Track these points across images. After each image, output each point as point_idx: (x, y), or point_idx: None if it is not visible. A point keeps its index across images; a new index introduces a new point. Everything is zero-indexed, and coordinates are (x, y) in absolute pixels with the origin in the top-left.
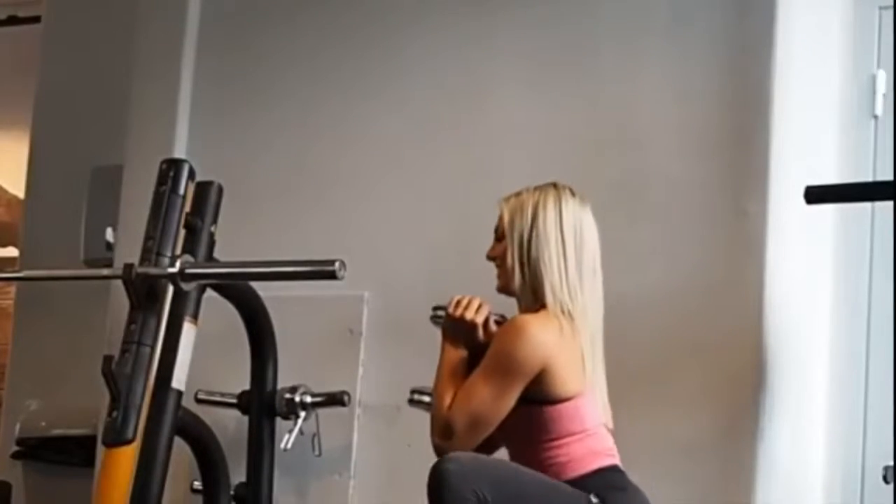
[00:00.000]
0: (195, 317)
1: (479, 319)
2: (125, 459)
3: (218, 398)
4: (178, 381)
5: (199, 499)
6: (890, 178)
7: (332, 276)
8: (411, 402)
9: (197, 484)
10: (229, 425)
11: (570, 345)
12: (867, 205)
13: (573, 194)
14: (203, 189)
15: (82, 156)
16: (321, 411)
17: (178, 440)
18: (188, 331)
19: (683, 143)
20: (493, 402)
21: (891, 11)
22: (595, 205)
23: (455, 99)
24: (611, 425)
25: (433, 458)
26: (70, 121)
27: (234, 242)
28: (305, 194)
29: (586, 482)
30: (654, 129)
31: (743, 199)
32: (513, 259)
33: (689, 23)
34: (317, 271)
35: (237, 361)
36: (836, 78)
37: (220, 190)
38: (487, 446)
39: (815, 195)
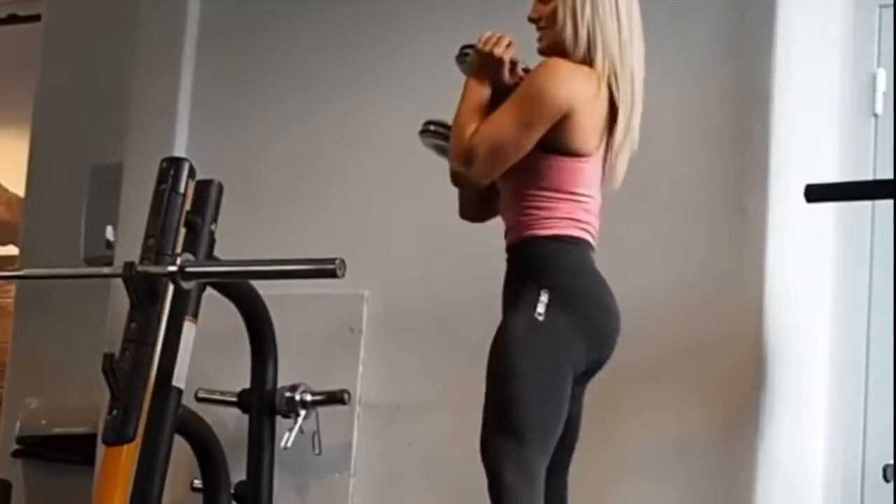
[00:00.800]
0: (195, 315)
1: (507, 56)
2: (125, 458)
3: (218, 397)
4: (179, 379)
5: (200, 497)
6: (890, 176)
7: (332, 274)
8: (426, 132)
9: (197, 482)
10: (229, 424)
11: (599, 103)
12: (867, 203)
13: None
14: (203, 187)
15: (82, 154)
16: (321, 410)
17: (178, 438)
18: (188, 329)
19: (683, 142)
20: (517, 134)
21: (891, 10)
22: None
23: (455, 97)
24: (617, 183)
25: (433, 457)
26: (70, 119)
27: (234, 241)
28: (306, 193)
29: (549, 246)
30: (654, 127)
31: (743, 198)
32: (565, 14)
33: (688, 21)
34: (317, 270)
35: (237, 360)
36: (836, 76)
37: (221, 188)
38: (488, 201)
39: (816, 194)
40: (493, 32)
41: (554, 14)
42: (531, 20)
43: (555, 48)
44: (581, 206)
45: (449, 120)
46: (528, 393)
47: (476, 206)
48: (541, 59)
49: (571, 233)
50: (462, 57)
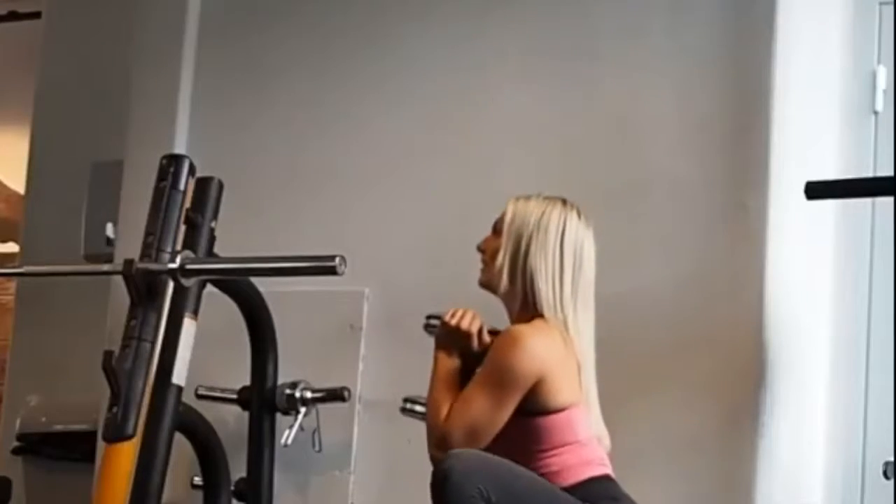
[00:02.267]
0: (195, 312)
1: (474, 329)
2: (125, 455)
3: (218, 394)
4: (179, 376)
5: (200, 494)
6: (890, 173)
7: (332, 271)
8: (404, 410)
9: (197, 479)
10: (230, 421)
11: (566, 356)
12: (867, 200)
13: (579, 215)
14: (203, 185)
15: (82, 151)
16: (321, 407)
17: (178, 436)
18: (188, 326)
19: (684, 139)
20: (490, 413)
21: (891, 7)
22: (594, 201)
23: (456, 95)
24: (607, 447)
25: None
26: (70, 116)
27: (234, 238)
28: (306, 190)
29: (578, 491)
30: (655, 125)
31: (743, 195)
32: (504, 258)
33: (689, 18)
34: (317, 267)
35: (237, 357)
36: (836, 74)
37: (221, 186)
38: None
39: (816, 191)
40: (457, 309)
41: (496, 253)
42: (479, 249)
43: (491, 285)
44: (586, 449)
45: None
46: None
47: None
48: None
49: (595, 473)
50: (429, 327)
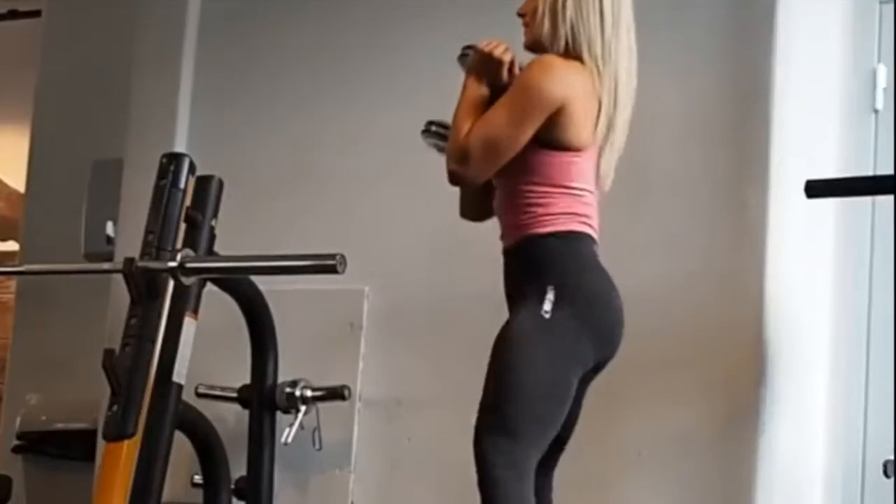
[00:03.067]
0: (195, 311)
1: (507, 57)
2: (126, 453)
3: (218, 392)
4: (179, 375)
5: (200, 493)
6: (890, 172)
7: (332, 270)
8: (427, 132)
9: (197, 478)
10: (230, 419)
11: (592, 97)
12: (868, 199)
13: None
14: (203, 183)
15: (83, 150)
16: (321, 405)
17: (178, 434)
18: (189, 325)
19: (684, 137)
20: (511, 129)
21: (891, 6)
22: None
23: (456, 93)
24: (608, 183)
25: (433, 453)
26: (70, 115)
27: (234, 236)
28: (306, 188)
29: (551, 241)
30: (655, 123)
31: (743, 193)
32: (544, 10)
33: (689, 16)
34: (317, 265)
35: (237, 355)
36: (836, 72)
37: (221, 184)
38: (486, 197)
39: (816, 189)
40: (492, 39)
41: (535, 10)
42: (518, 14)
43: (536, 45)
44: (578, 200)
45: (450, 119)
46: (527, 390)
47: (476, 204)
48: (528, 55)
49: (572, 228)
50: (463, 56)
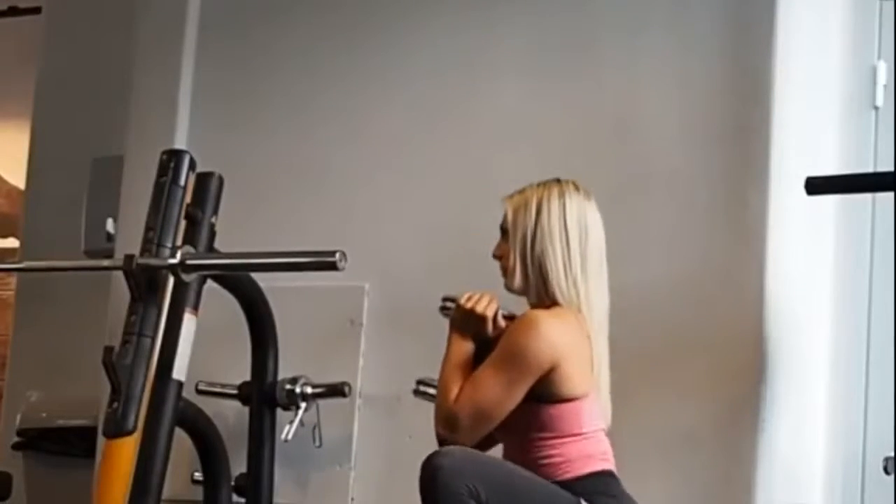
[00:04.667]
0: (196, 308)
1: (490, 313)
2: (126, 450)
3: (219, 389)
4: (179, 372)
5: (200, 490)
6: (891, 169)
7: (332, 267)
8: (416, 392)
9: (197, 475)
10: (230, 416)
11: (582, 344)
12: (868, 196)
13: (577, 189)
14: (204, 180)
15: (83, 146)
16: (322, 402)
17: (178, 431)
18: (189, 322)
19: (684, 134)
20: (501, 396)
21: (891, 2)
22: (595, 196)
23: (456, 90)
24: (608, 423)
25: (433, 450)
26: (71, 111)
27: (234, 233)
28: (306, 185)
29: (577, 485)
30: (655, 120)
31: (744, 190)
32: (515, 257)
33: (689, 13)
34: (317, 262)
35: (238, 352)
36: (836, 69)
37: (221, 181)
38: (485, 443)
39: (816, 186)
40: (474, 292)
41: (508, 254)
42: (495, 257)
43: (514, 289)
44: (592, 441)
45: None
46: None
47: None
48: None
49: (595, 468)
50: (444, 309)
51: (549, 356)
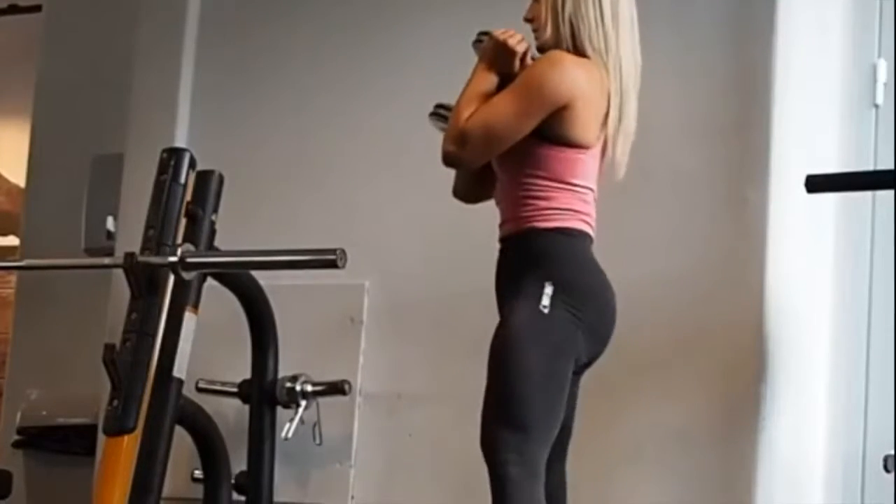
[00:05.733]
0: (196, 306)
1: (520, 48)
2: (126, 448)
3: (219, 387)
4: (179, 369)
5: (200, 487)
6: (891, 167)
7: (332, 265)
8: (434, 115)
9: (198, 473)
10: (230, 414)
11: (600, 96)
12: (868, 194)
13: None
14: (204, 178)
15: (83, 145)
16: (322, 400)
17: (178, 429)
18: (189, 320)
19: (684, 132)
20: (513, 120)
21: (891, 0)
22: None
23: (455, 88)
24: (620, 175)
25: (434, 448)
26: (71, 110)
27: (234, 231)
28: (306, 183)
29: (549, 235)
30: (655, 118)
31: (744, 188)
32: (546, 13)
33: (690, 11)
34: (318, 260)
35: (238, 350)
36: (836, 67)
37: (221, 179)
38: (485, 183)
39: (816, 184)
40: (508, 29)
41: (540, 14)
42: (526, 20)
43: (545, 49)
44: (580, 197)
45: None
46: (533, 386)
47: (470, 185)
48: None
49: (573, 225)
50: (477, 42)
51: (566, 91)
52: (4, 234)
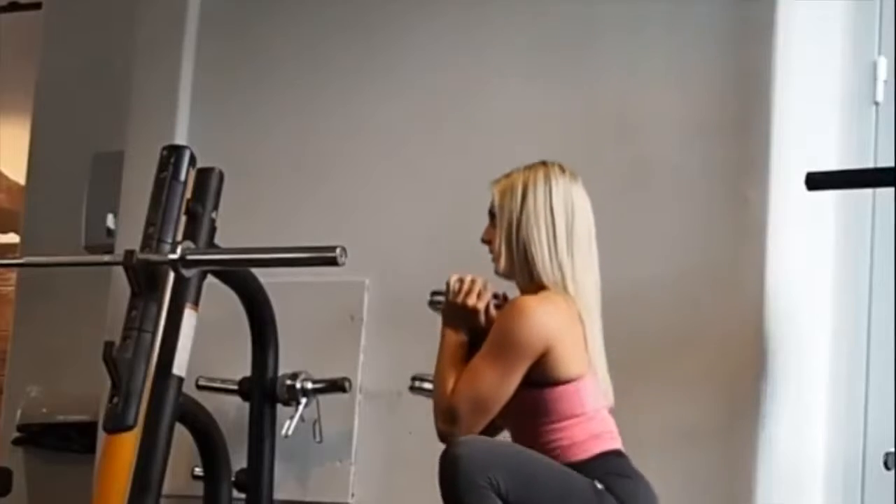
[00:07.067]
0: (196, 303)
1: (481, 305)
2: (126, 446)
3: (219, 384)
4: (179, 367)
5: (200, 485)
6: (891, 164)
7: (332, 262)
8: (412, 389)
9: (198, 470)
10: (230, 412)
11: (573, 325)
12: (868, 191)
13: (563, 170)
14: (204, 175)
15: (83, 142)
16: (322, 398)
17: (178, 426)
18: (189, 317)
19: (684, 130)
20: (497, 384)
21: None
22: (595, 192)
23: (455, 86)
24: (611, 401)
25: (434, 445)
26: (71, 107)
27: (234, 229)
28: (306, 181)
29: (589, 467)
30: (655, 116)
31: (744, 186)
32: (500, 241)
33: (689, 9)
34: (318, 257)
35: (238, 348)
36: (836, 65)
37: (221, 176)
38: (489, 431)
39: (817, 182)
40: (462, 277)
41: (495, 239)
42: (483, 241)
43: (504, 275)
44: (595, 421)
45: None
46: None
47: (487, 431)
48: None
49: (603, 449)
50: (434, 304)
51: (541, 340)
52: (4, 231)
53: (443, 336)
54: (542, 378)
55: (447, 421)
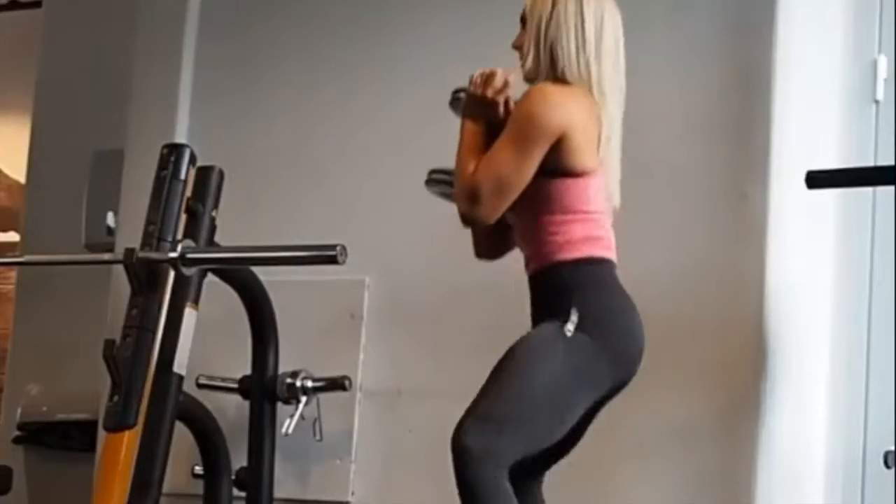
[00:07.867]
0: (196, 301)
1: (501, 98)
2: (126, 444)
3: (219, 383)
4: (179, 365)
5: (201, 483)
6: (891, 162)
7: (333, 260)
8: (430, 181)
9: (198, 469)
10: (230, 410)
11: (591, 120)
12: (868, 190)
13: None
14: (204, 174)
15: (83, 140)
16: (322, 396)
17: (179, 425)
18: (189, 315)
19: (684, 129)
20: (517, 164)
21: None
22: None
23: (456, 84)
24: (616, 203)
25: (435, 444)
26: (71, 105)
27: (235, 227)
28: (307, 179)
29: (570, 267)
30: (656, 115)
31: (744, 184)
32: (529, 42)
33: (690, 8)
34: (318, 256)
35: (238, 346)
36: (837, 63)
37: (222, 175)
38: (498, 246)
39: (817, 180)
40: (483, 70)
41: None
42: (514, 47)
43: (530, 78)
44: (596, 223)
45: (450, 166)
46: (530, 394)
47: (490, 242)
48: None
49: (594, 253)
50: (455, 101)
51: (560, 122)
52: (4, 230)
53: (462, 128)
54: (555, 165)
55: (470, 201)
